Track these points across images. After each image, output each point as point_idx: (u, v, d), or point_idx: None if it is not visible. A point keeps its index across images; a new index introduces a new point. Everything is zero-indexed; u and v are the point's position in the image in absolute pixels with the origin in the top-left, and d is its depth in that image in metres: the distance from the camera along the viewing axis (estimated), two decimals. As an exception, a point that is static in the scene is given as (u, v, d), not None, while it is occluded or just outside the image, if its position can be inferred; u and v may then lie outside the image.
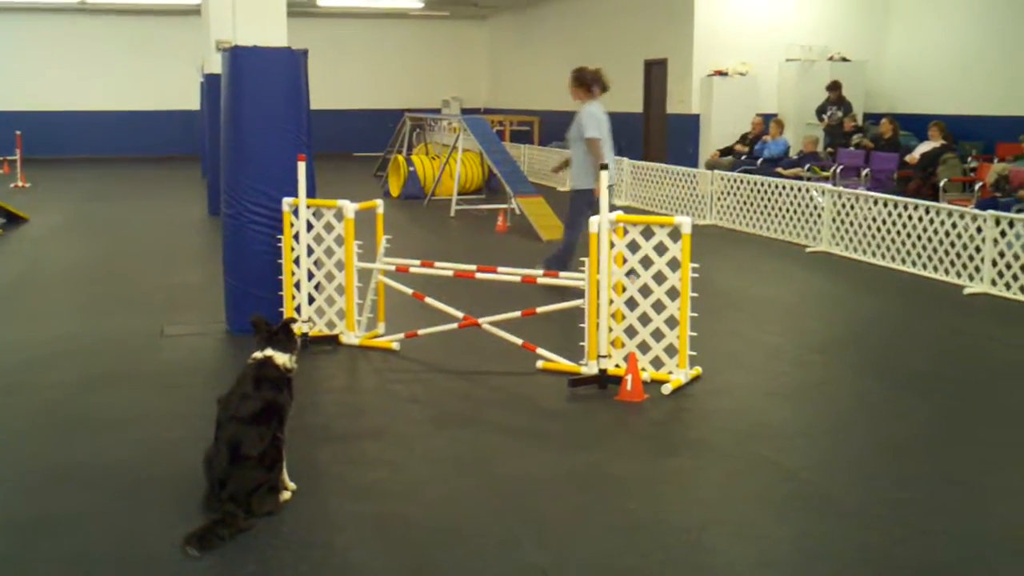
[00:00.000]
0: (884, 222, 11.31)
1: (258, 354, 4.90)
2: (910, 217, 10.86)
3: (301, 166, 7.63)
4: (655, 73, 20.64)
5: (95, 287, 10.30)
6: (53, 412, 6.28)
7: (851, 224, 11.88)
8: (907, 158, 14.91)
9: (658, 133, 20.64)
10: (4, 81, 27.67)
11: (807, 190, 12.83)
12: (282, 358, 4.92)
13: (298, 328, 7.66)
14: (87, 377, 7.04)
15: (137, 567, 4.21)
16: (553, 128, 24.85)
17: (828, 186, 12.70)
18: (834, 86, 17.15)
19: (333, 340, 7.75)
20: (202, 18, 21.08)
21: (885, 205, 11.41)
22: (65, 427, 6.00)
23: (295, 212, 7.72)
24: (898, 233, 11.03)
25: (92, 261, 11.88)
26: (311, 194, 7.82)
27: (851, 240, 11.83)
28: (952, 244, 10.26)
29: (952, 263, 10.25)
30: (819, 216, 12.43)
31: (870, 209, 11.75)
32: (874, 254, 11.37)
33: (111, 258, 12.09)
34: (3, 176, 21.98)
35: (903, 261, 10.94)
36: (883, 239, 11.28)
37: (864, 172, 14.94)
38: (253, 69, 7.97)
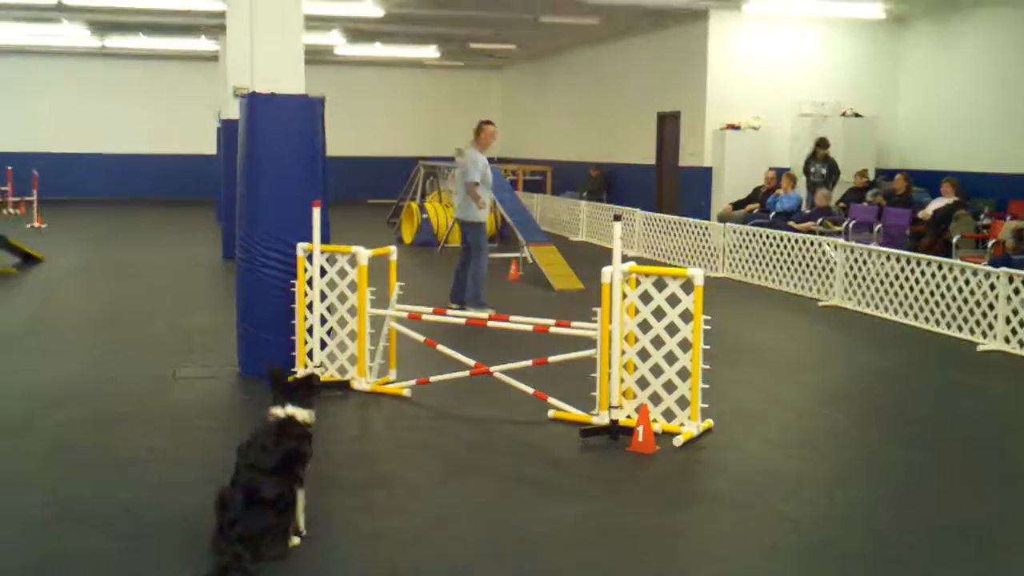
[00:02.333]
0: (897, 277, 11.31)
1: (278, 411, 4.82)
2: (923, 273, 10.85)
3: (316, 212, 7.68)
4: (668, 125, 20.77)
5: (108, 328, 10.33)
6: (63, 451, 6.28)
7: (864, 279, 11.88)
8: (920, 214, 14.93)
9: (670, 185, 20.72)
10: (24, 122, 27.97)
11: (820, 244, 12.84)
12: (303, 415, 4.86)
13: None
14: (98, 417, 7.04)
15: (145, 611, 4.19)
16: (566, 177, 24.99)
17: (841, 240, 12.71)
18: (822, 143, 17.24)
19: (344, 386, 7.75)
20: (220, 64, 21.36)
21: (898, 260, 11.41)
22: (74, 467, 6.00)
23: (309, 257, 7.76)
24: (911, 289, 11.02)
25: (106, 302, 11.93)
26: (325, 240, 7.86)
27: (863, 295, 11.82)
28: (965, 301, 10.24)
29: (965, 320, 10.23)
30: (831, 270, 12.43)
31: (883, 264, 11.75)
32: (886, 309, 11.36)
33: (125, 299, 12.14)
34: (19, 216, 22.14)
35: (916, 317, 10.92)
36: (896, 294, 11.27)
37: (877, 227, 14.96)
38: (270, 116, 8.06)
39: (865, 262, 11.94)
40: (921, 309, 10.86)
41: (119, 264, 15.41)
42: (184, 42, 24.55)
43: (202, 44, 24.39)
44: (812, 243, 13.01)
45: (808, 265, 12.92)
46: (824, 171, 17.06)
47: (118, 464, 6.06)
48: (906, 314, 11.05)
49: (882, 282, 11.54)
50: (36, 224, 20.35)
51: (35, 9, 19.39)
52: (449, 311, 8.46)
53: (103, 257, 16.17)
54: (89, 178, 28.34)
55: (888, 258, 11.71)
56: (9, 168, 23.97)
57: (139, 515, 5.24)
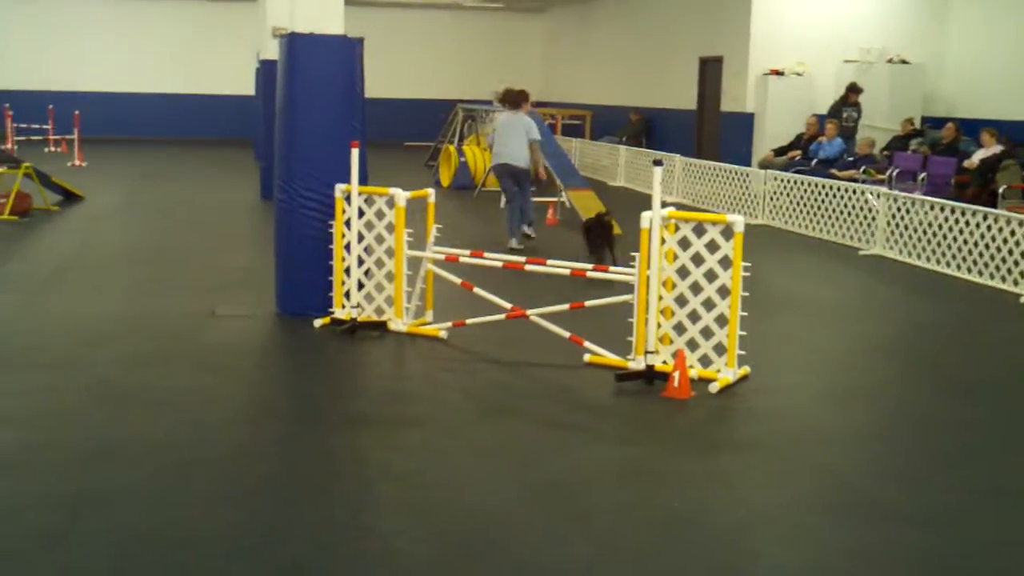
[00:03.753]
0: (940, 227, 11.13)
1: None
2: (968, 223, 10.67)
3: (354, 153, 7.66)
4: (710, 71, 20.49)
5: (147, 267, 10.42)
6: (102, 389, 6.36)
7: (906, 228, 11.70)
8: (965, 163, 14.66)
9: (711, 131, 20.49)
10: (65, 61, 28.08)
11: (862, 192, 12.66)
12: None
13: (347, 314, 7.71)
14: (137, 355, 7.12)
15: (181, 545, 4.25)
16: (605, 122, 24.76)
17: (884, 189, 12.52)
18: (855, 88, 16.94)
19: (381, 326, 7.78)
20: (259, 5, 21.27)
21: (942, 210, 11.23)
22: (114, 404, 6.07)
23: (347, 198, 7.75)
24: (955, 239, 10.85)
25: (145, 241, 12.02)
26: (363, 181, 7.84)
27: (906, 244, 11.65)
28: (1010, 252, 10.07)
29: (1010, 271, 10.07)
30: (873, 219, 12.27)
31: (926, 214, 11.56)
32: (929, 259, 11.20)
33: (164, 238, 12.23)
34: (61, 155, 22.30)
35: (959, 267, 10.76)
36: (939, 244, 11.10)
37: (921, 176, 14.72)
38: (309, 56, 8.01)
39: (908, 211, 11.76)
40: (964, 259, 10.70)
41: (158, 203, 15.50)
42: (224, -19, 24.48)
43: (242, -17, 24.31)
44: (854, 191, 12.82)
45: (850, 213, 12.75)
46: (856, 116, 16.81)
47: (157, 402, 6.12)
48: (949, 264, 10.89)
49: (925, 232, 11.37)
50: (77, 163, 20.50)
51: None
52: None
53: (142, 196, 16.27)
54: (129, 117, 28.45)
55: (932, 207, 11.52)
56: (50, 107, 24.13)
57: (177, 453, 5.30)
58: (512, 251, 11.21)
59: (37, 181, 13.71)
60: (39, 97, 25.89)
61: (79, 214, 13.95)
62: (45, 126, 23.82)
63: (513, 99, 12.41)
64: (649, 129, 22.84)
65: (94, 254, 11.15)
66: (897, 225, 11.85)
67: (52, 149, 23.35)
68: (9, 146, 20.76)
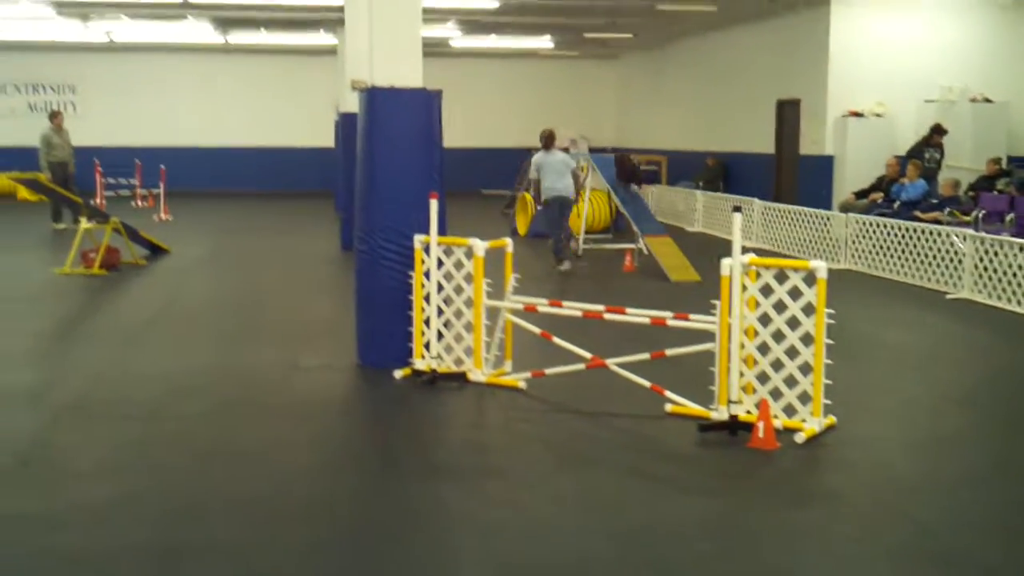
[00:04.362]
0: (1030, 269, 10.83)
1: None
2: (1059, 265, 10.38)
3: (433, 204, 7.73)
4: (788, 113, 20.34)
5: (232, 318, 10.60)
6: (189, 441, 6.46)
7: (995, 271, 11.42)
8: (1056, 203, 14.29)
9: (790, 174, 20.29)
10: (151, 118, 28.96)
11: (948, 235, 12.40)
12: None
13: (427, 365, 7.75)
14: (222, 407, 7.23)
15: (268, 597, 4.27)
16: (681, 167, 24.68)
17: (970, 231, 12.25)
18: (938, 129, 16.63)
19: (461, 377, 7.79)
20: (338, 58, 21.70)
21: (1032, 252, 10.94)
22: (200, 456, 6.16)
23: (426, 249, 7.81)
24: (1045, 281, 10.55)
25: (229, 293, 12.25)
26: (442, 231, 7.91)
27: (995, 287, 11.36)
28: (1105, 294, 9.76)
29: (1105, 314, 9.75)
30: (960, 262, 11.99)
31: (1016, 256, 11.27)
32: (1020, 303, 10.90)
33: (247, 290, 12.45)
34: (148, 209, 22.90)
35: (1051, 310, 10.45)
36: (1029, 287, 10.80)
37: (1009, 217, 14.37)
38: (389, 109, 8.14)
39: (996, 253, 11.47)
40: (1057, 303, 10.39)
41: (242, 255, 15.81)
42: (303, 36, 25.06)
43: (321, 38, 24.84)
44: (939, 234, 12.57)
45: (935, 257, 12.49)
46: (938, 157, 16.51)
47: (242, 453, 6.20)
48: (1040, 308, 10.59)
49: (1015, 275, 11.08)
50: (163, 216, 21.02)
51: (163, 7, 20.00)
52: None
53: (226, 248, 16.61)
54: (213, 171, 29.17)
55: (1022, 249, 11.23)
56: (137, 162, 24.85)
57: (265, 504, 5.34)
58: (563, 273, 13.23)
59: (125, 236, 14.07)
60: (126, 152, 26.72)
61: (165, 267, 14.28)
62: (132, 181, 24.52)
63: (547, 140, 14.11)
64: (726, 173, 22.71)
65: (180, 307, 11.38)
66: (985, 268, 11.57)
67: (139, 203, 24.00)
68: (98, 201, 21.36)
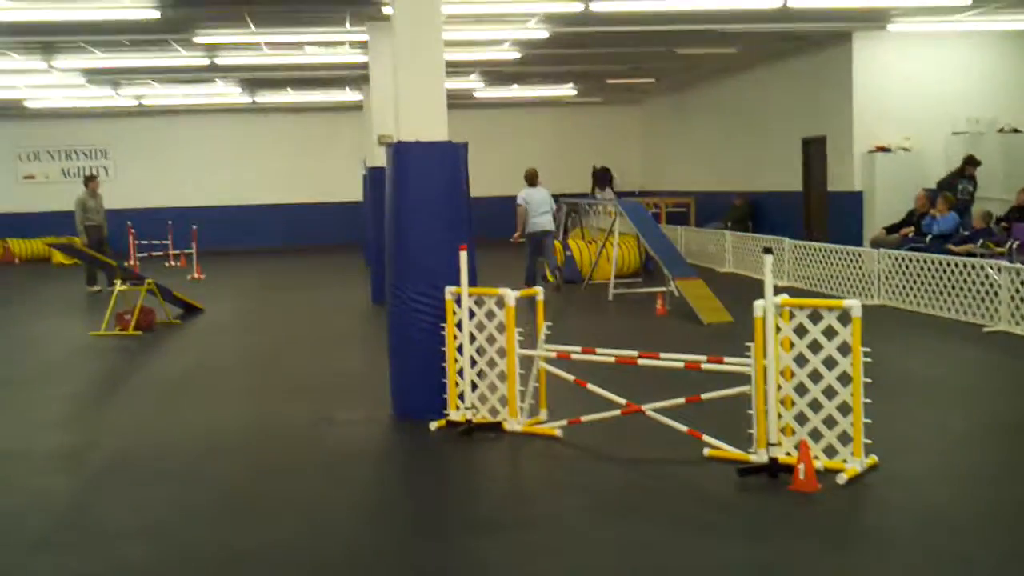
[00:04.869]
0: (1068, 299, 10.70)
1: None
2: (1097, 294, 10.24)
3: (463, 255, 7.76)
4: (814, 150, 20.32)
5: (266, 374, 10.64)
6: (227, 498, 6.46)
7: (1032, 302, 11.28)
8: (1090, 232, 14.14)
9: (819, 211, 20.23)
10: (182, 178, 29.37)
11: (982, 267, 12.28)
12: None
13: (462, 416, 7.73)
14: (259, 463, 7.23)
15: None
16: (709, 208, 24.67)
17: (1005, 263, 12.13)
18: (971, 161, 16.54)
19: (496, 427, 7.76)
20: (364, 113, 21.94)
21: (1069, 281, 10.80)
22: (239, 512, 6.15)
23: (458, 301, 7.83)
24: (1085, 311, 10.41)
25: (263, 348, 12.31)
26: (473, 282, 7.92)
27: (1032, 319, 11.22)
28: None
29: None
30: (996, 294, 11.86)
31: (1052, 286, 11.14)
32: (1059, 333, 10.75)
33: (281, 345, 12.50)
34: (180, 269, 23.12)
35: (1091, 340, 10.30)
36: (1068, 317, 10.66)
37: (1043, 247, 14.23)
38: (415, 163, 8.20)
39: (1033, 284, 11.34)
40: (1097, 332, 10.24)
41: (274, 310, 15.91)
42: (329, 94, 25.38)
43: (346, 95, 25.15)
44: (973, 266, 12.46)
45: (970, 290, 12.38)
46: (971, 189, 16.40)
47: (280, 510, 6.19)
48: (1081, 338, 10.44)
49: (1052, 305, 10.94)
50: (196, 275, 21.21)
51: (192, 71, 20.34)
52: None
53: (259, 304, 16.72)
54: (243, 228, 29.48)
55: (1058, 279, 11.10)
56: (169, 222, 25.14)
57: (304, 562, 5.32)
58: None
59: (159, 296, 14.20)
60: (158, 213, 27.08)
61: (199, 325, 14.38)
62: (165, 241, 24.80)
63: (532, 177, 16.11)
64: (754, 213, 22.67)
65: (214, 364, 11.44)
66: (1022, 299, 11.44)
67: (172, 263, 24.25)
68: (131, 263, 21.60)
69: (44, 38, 16.11)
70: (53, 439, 8.16)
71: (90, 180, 19.39)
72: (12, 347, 13.21)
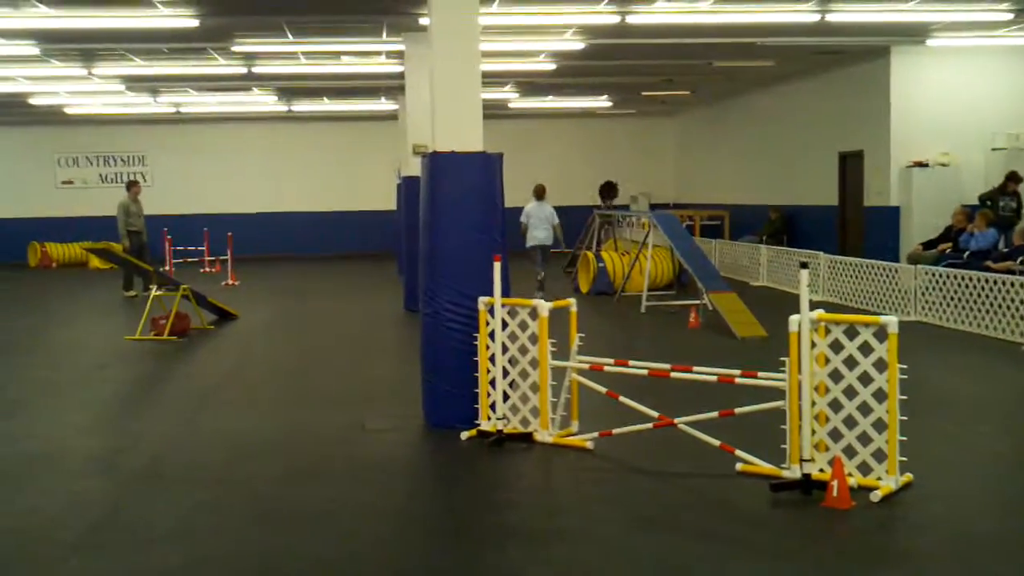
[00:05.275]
0: (1109, 318, 10.56)
1: None
2: None
3: (496, 266, 7.77)
4: (851, 165, 20.19)
5: (299, 381, 10.69)
6: (259, 504, 6.49)
7: (1071, 320, 11.14)
8: None
9: (855, 226, 20.09)
10: (218, 185, 29.63)
11: (1022, 285, 12.14)
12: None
13: (493, 426, 7.73)
14: (291, 471, 7.26)
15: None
16: (743, 221, 24.57)
17: (1043, 280, 11.98)
18: (1014, 177, 16.35)
19: (527, 438, 7.75)
20: (400, 123, 22.05)
21: (1109, 300, 10.66)
22: (270, 519, 6.18)
23: (491, 311, 7.83)
24: (1125, 330, 10.27)
25: (296, 355, 12.37)
26: (506, 293, 7.93)
27: (1071, 337, 11.08)
28: None
29: None
30: (1034, 312, 11.73)
31: (1092, 304, 11.00)
32: (1098, 352, 10.61)
33: (313, 353, 12.56)
34: (215, 275, 23.30)
35: None
36: (1108, 336, 10.52)
37: (1082, 264, 14.04)
38: (450, 173, 8.23)
39: (1072, 303, 11.20)
40: None
41: (307, 318, 15.99)
42: (365, 104, 25.52)
43: (382, 105, 25.28)
44: (1012, 284, 12.32)
45: (1009, 307, 12.23)
46: (1014, 205, 16.22)
47: (311, 517, 6.21)
48: (1121, 358, 10.29)
49: (1092, 324, 10.80)
50: (230, 282, 21.37)
51: (230, 79, 20.53)
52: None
53: (292, 311, 16.81)
54: (278, 236, 29.70)
55: (1098, 298, 10.95)
56: (205, 229, 25.36)
57: (331, 569, 5.33)
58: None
59: (194, 302, 14.32)
60: (193, 220, 27.34)
61: (233, 332, 14.47)
62: (200, 248, 25.02)
63: (539, 193, 16.99)
64: (790, 226, 22.55)
65: (248, 370, 11.52)
66: (1061, 317, 11.30)
67: (207, 270, 24.46)
68: (167, 268, 21.80)
69: (85, 45, 16.33)
70: (89, 443, 8.25)
71: (132, 185, 19.62)
72: (50, 351, 13.36)
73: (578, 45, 16.81)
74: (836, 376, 6.45)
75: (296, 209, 29.96)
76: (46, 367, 12.03)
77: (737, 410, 6.97)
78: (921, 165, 18.04)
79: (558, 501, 6.62)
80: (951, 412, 8.66)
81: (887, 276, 14.92)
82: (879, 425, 6.30)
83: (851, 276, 15.93)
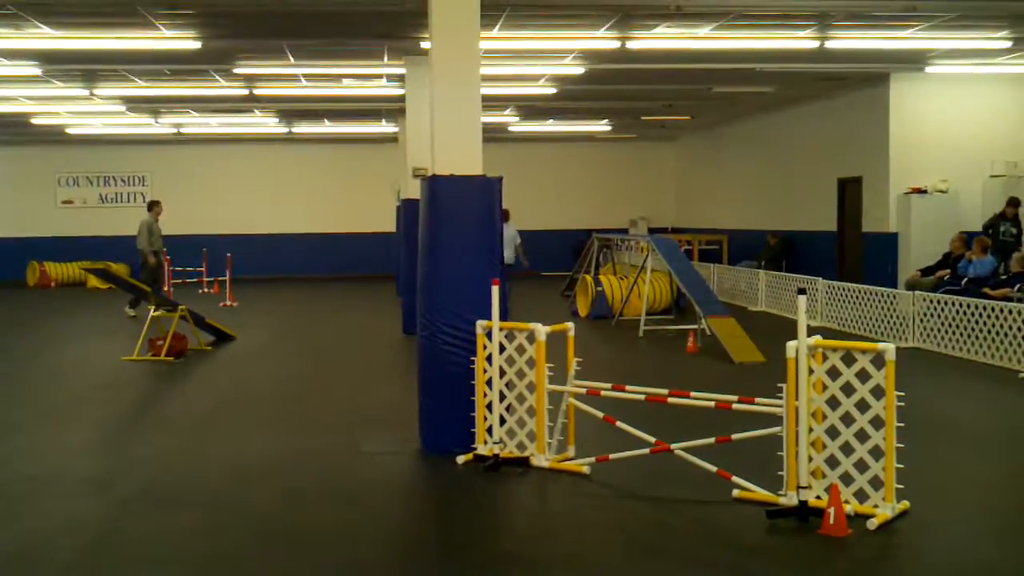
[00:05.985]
0: (1107, 346, 10.56)
1: None
2: None
3: (495, 290, 7.77)
4: (849, 191, 20.24)
5: (296, 404, 10.67)
6: (256, 527, 6.46)
7: (1069, 348, 11.13)
8: None
9: (854, 252, 20.12)
10: (218, 206, 29.66)
11: (1019, 312, 12.15)
12: None
13: (490, 450, 7.72)
14: (288, 494, 7.23)
15: None
16: (742, 246, 24.60)
17: (1041, 307, 11.99)
18: (1013, 203, 16.39)
19: (524, 462, 7.73)
20: (400, 145, 22.11)
21: (1107, 328, 10.66)
22: (267, 543, 6.15)
23: (488, 334, 7.83)
24: (1123, 358, 10.26)
25: (293, 377, 12.35)
26: (504, 317, 7.93)
27: (1069, 365, 11.07)
28: None
29: None
30: (1032, 339, 11.72)
31: (1090, 332, 11.00)
32: (1096, 380, 10.60)
33: (310, 375, 12.54)
34: (213, 296, 23.30)
35: None
36: (1106, 364, 10.51)
37: (1081, 292, 14.06)
38: (450, 196, 8.24)
39: (1070, 330, 11.20)
40: None
41: (305, 340, 15.98)
42: (365, 126, 25.60)
43: (382, 127, 25.36)
44: (1010, 311, 12.32)
45: (1007, 334, 12.24)
46: (1014, 231, 16.25)
47: (307, 541, 6.18)
48: (1119, 386, 10.29)
49: (1090, 352, 10.80)
50: (228, 303, 21.37)
51: (231, 101, 20.60)
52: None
53: (290, 333, 16.80)
54: (276, 257, 29.70)
55: (1096, 326, 10.96)
56: (204, 249, 25.37)
57: (326, 592, 5.31)
58: None
59: (192, 323, 14.31)
60: (192, 241, 27.34)
61: (231, 353, 14.46)
62: (199, 268, 25.02)
63: (504, 216, 17.41)
64: (788, 252, 22.58)
65: (245, 392, 11.49)
66: (1059, 345, 11.30)
67: (205, 290, 24.45)
68: (166, 289, 21.80)
69: (87, 66, 16.39)
70: (86, 464, 8.22)
71: (154, 205, 19.57)
72: (46, 370, 13.33)
73: (578, 70, 16.88)
74: (833, 403, 6.45)
75: (296, 230, 29.99)
76: (42, 387, 12.00)
77: (734, 436, 6.96)
78: (919, 192, 18.09)
79: (554, 526, 6.59)
80: (948, 439, 8.65)
81: (885, 302, 14.92)
82: (876, 452, 6.29)
83: (849, 302, 15.94)
